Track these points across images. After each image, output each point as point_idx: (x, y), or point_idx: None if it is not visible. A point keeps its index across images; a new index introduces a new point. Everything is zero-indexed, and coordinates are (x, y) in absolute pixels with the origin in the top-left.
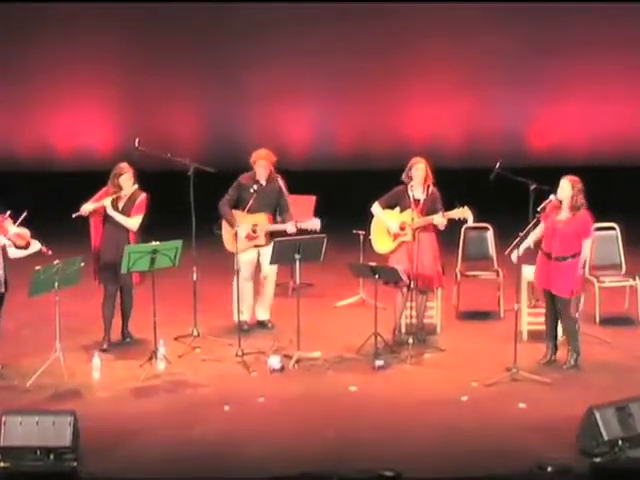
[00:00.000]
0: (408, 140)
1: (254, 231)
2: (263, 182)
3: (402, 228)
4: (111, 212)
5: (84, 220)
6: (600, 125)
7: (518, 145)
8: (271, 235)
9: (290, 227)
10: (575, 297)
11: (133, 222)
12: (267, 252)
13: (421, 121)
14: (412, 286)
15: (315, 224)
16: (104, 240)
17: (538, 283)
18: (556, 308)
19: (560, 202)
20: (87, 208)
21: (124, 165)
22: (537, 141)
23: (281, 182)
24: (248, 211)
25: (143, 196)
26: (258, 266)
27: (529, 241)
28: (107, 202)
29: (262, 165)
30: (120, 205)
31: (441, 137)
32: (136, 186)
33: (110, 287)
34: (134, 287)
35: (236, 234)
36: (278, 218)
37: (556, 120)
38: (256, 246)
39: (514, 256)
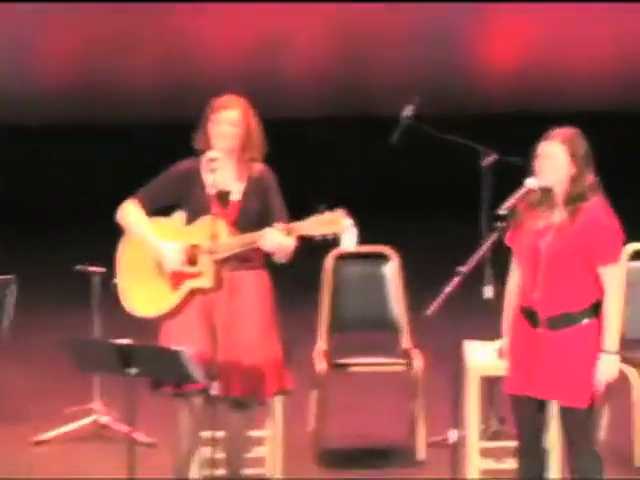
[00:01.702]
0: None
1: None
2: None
3: (192, 260)
4: None
5: None
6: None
7: (453, 66)
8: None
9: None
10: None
11: None
12: None
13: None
14: (215, 392)
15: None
16: None
17: (510, 384)
18: (540, 433)
19: (545, 192)
20: None
21: None
22: (499, 55)
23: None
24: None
25: None
26: None
27: (510, 299)
28: None
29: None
30: None
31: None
32: None
33: None
34: None
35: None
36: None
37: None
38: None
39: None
